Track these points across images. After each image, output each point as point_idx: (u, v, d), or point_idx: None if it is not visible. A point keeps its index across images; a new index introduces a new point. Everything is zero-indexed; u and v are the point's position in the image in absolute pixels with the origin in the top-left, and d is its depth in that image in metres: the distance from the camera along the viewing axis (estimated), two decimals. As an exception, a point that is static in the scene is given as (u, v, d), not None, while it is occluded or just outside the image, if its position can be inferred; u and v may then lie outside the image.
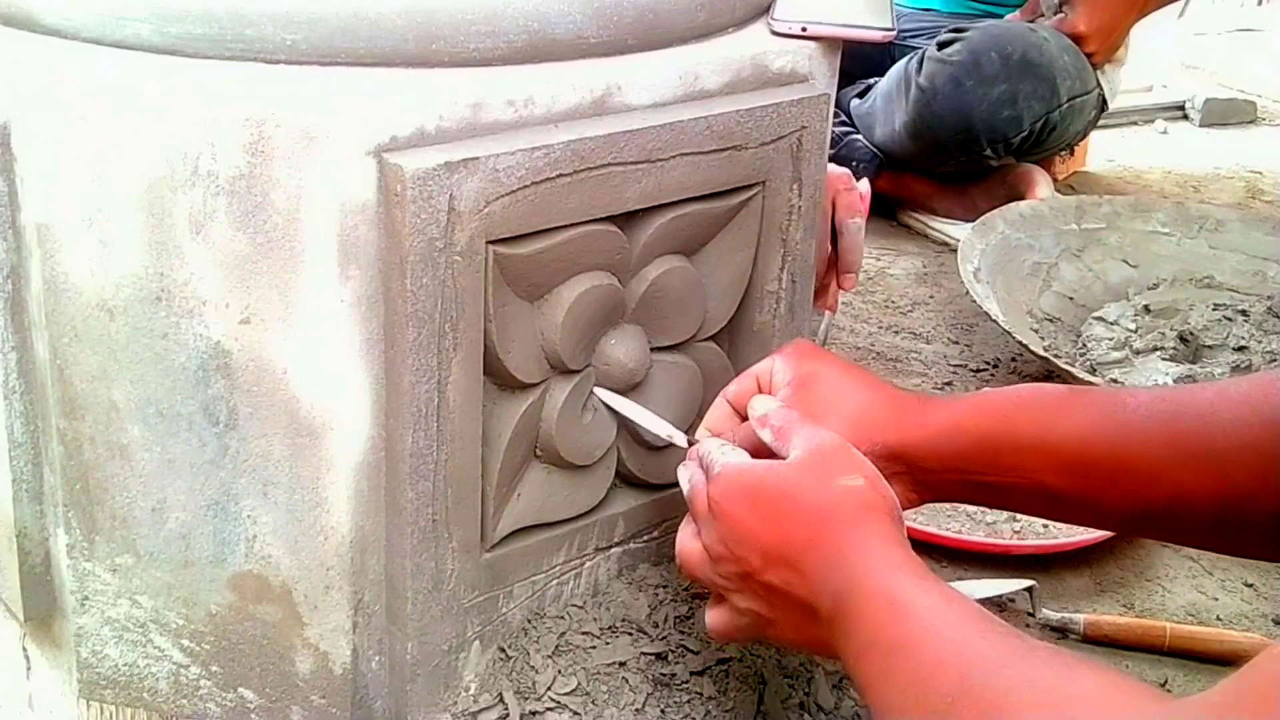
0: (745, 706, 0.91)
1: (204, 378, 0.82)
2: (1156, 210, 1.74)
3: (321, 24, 0.80)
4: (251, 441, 0.83)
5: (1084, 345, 1.50)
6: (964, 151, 1.92)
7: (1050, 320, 1.57)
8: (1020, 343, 1.42)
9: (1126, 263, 1.68)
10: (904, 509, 0.80)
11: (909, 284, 1.81)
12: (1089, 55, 1.97)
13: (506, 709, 0.89)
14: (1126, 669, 1.05)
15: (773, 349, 1.01)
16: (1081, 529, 1.18)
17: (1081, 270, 1.66)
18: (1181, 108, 2.69)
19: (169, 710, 0.91)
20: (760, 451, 0.83)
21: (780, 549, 0.76)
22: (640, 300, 0.92)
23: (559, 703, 0.90)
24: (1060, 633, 1.08)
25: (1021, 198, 1.89)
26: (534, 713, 0.89)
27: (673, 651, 0.93)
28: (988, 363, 1.56)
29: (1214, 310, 1.48)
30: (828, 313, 1.33)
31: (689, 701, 0.91)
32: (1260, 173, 2.39)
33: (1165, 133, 2.59)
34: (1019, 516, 1.19)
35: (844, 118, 2.06)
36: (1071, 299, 1.62)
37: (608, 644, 0.94)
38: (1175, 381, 1.35)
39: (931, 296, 1.77)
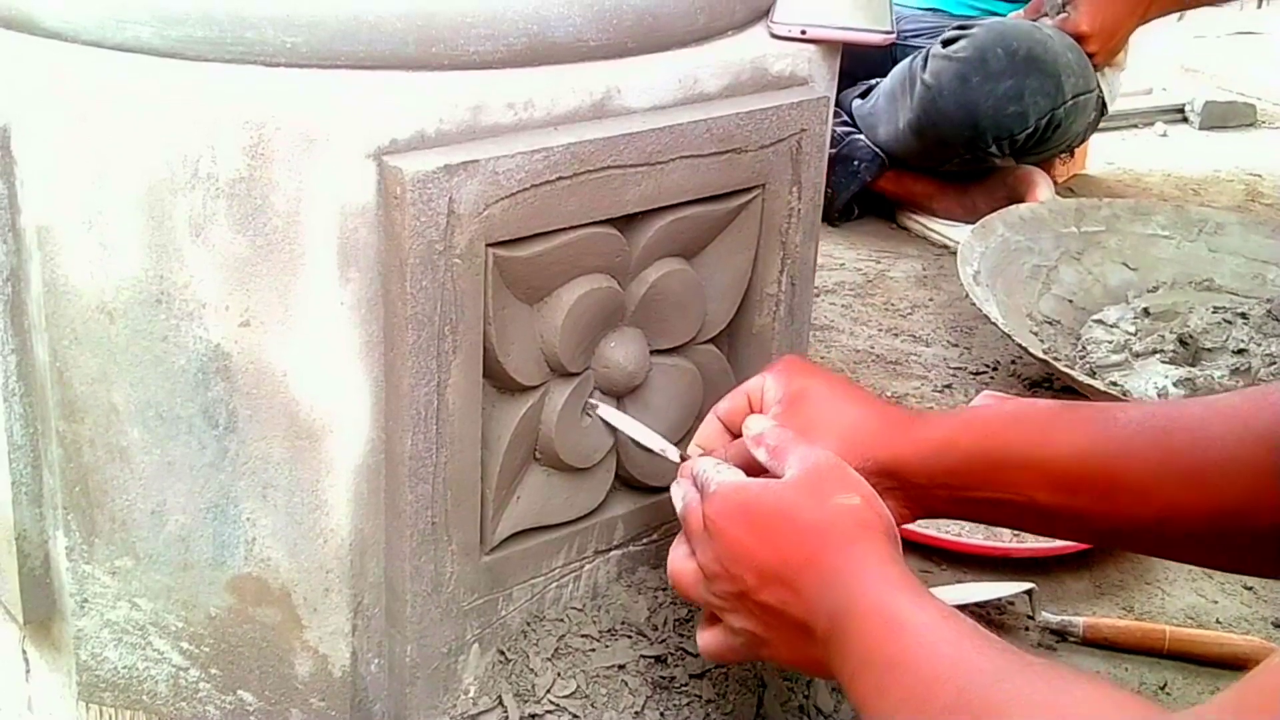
0: (745, 709, 0.91)
1: (204, 380, 0.82)
2: (1156, 213, 1.74)
3: (321, 27, 0.80)
4: (251, 444, 0.83)
5: (1083, 348, 1.50)
6: (969, 149, 1.92)
7: (1050, 323, 1.57)
8: (1020, 345, 1.42)
9: (1126, 266, 1.68)
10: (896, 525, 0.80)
11: (909, 287, 1.81)
12: (1090, 56, 1.97)
13: (506, 712, 0.89)
14: (1126, 672, 1.05)
15: (773, 351, 1.01)
16: (1081, 532, 1.18)
17: (1081, 273, 1.66)
18: (1181, 110, 2.69)
19: (168, 713, 0.91)
20: (754, 468, 0.83)
21: (776, 568, 0.76)
22: (640, 303, 0.92)
23: (558, 705, 0.90)
24: (1060, 635, 1.08)
25: (1022, 200, 1.89)
26: (533, 715, 0.89)
27: (672, 654, 0.93)
28: (987, 365, 1.56)
29: (1213, 313, 1.48)
30: None
31: (688, 704, 0.91)
32: (1260, 175, 2.39)
33: (1165, 135, 2.59)
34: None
35: (846, 118, 2.06)
36: (1071, 302, 1.62)
37: (607, 647, 0.94)
38: (1175, 384, 1.35)
39: (931, 299, 1.77)
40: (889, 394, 1.46)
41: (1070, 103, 1.92)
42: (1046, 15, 2.01)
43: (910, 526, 1.15)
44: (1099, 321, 1.54)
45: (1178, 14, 2.18)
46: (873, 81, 2.07)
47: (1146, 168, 2.40)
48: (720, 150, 0.90)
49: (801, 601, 0.75)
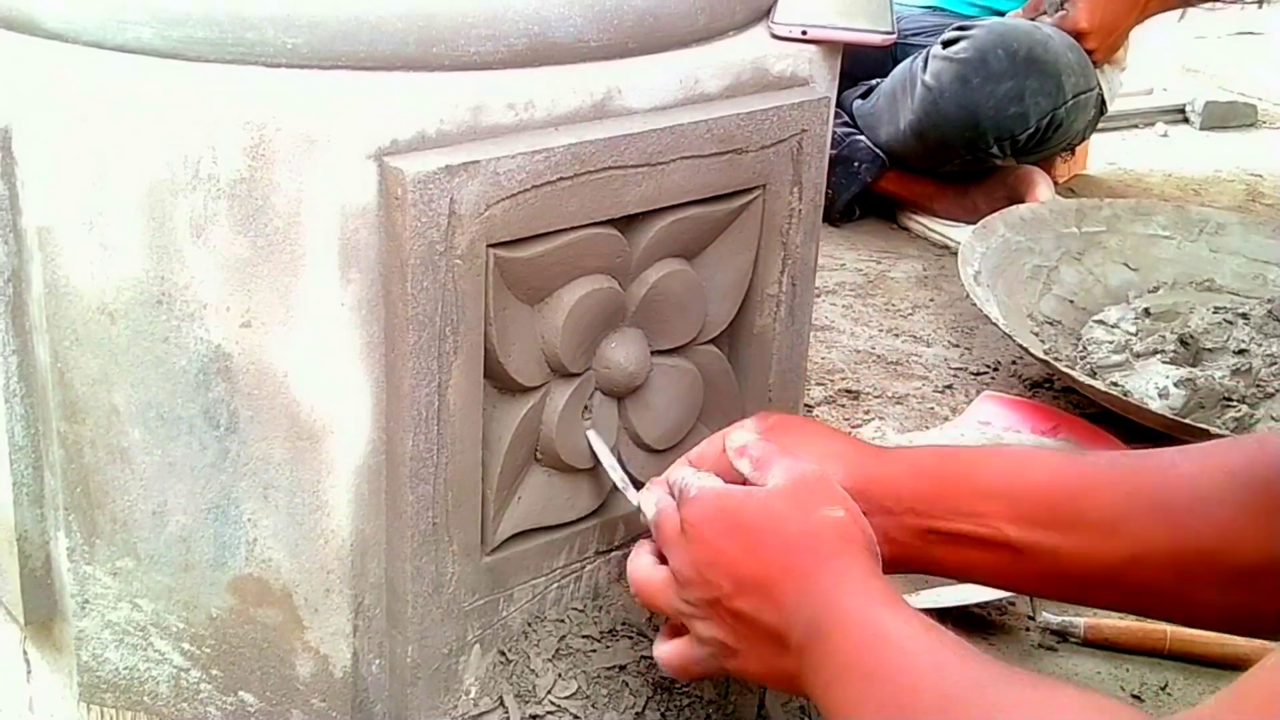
0: (746, 710, 0.91)
1: (205, 381, 0.82)
2: (1157, 213, 1.74)
3: (322, 27, 0.80)
4: (252, 445, 0.83)
5: (1084, 348, 1.50)
6: (970, 150, 1.92)
7: (1051, 323, 1.57)
8: (1021, 346, 1.42)
9: (1127, 266, 1.68)
10: None
11: (909, 287, 1.81)
12: (1089, 53, 1.98)
13: (507, 712, 0.89)
14: (1127, 672, 1.04)
15: (773, 352, 1.01)
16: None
17: (1082, 273, 1.66)
18: (1182, 111, 2.69)
19: (169, 714, 0.91)
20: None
21: (755, 575, 0.75)
22: (640, 303, 0.92)
23: (559, 706, 0.90)
24: (1061, 636, 1.08)
25: (1022, 200, 1.89)
26: (534, 716, 0.89)
27: (673, 655, 0.93)
28: (988, 366, 1.56)
29: (1214, 313, 1.48)
30: None
31: (689, 705, 0.91)
32: (1261, 176, 2.39)
33: (1166, 136, 2.59)
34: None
35: (846, 118, 2.06)
36: (1072, 302, 1.62)
37: (608, 647, 0.94)
38: (1176, 384, 1.35)
39: (932, 300, 1.76)
40: (890, 394, 1.46)
41: (1071, 102, 1.92)
42: (1045, 14, 2.02)
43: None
44: (1100, 322, 1.54)
45: (1180, 12, 2.18)
46: (873, 82, 2.07)
47: (1147, 168, 2.40)
48: (721, 151, 0.90)
49: (778, 610, 0.74)
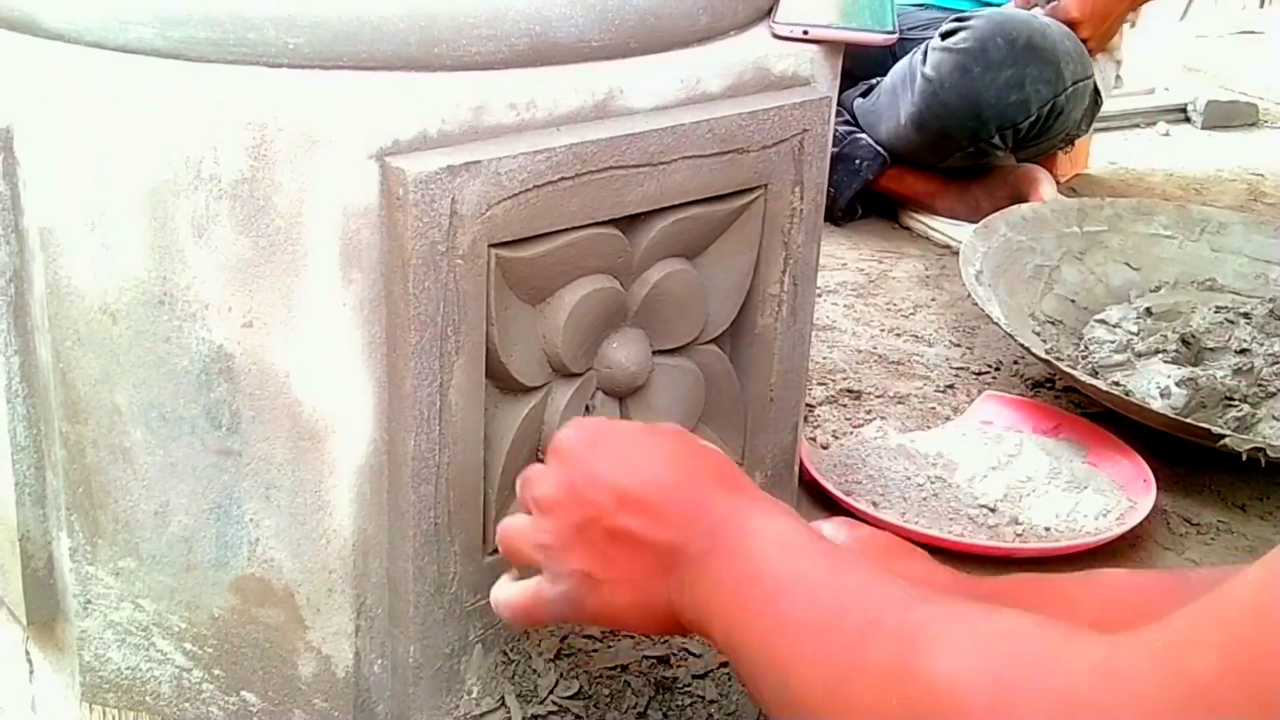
0: (747, 710, 0.91)
1: (206, 381, 0.82)
2: (1158, 213, 1.74)
3: (323, 27, 0.80)
4: (254, 445, 0.83)
5: (1086, 348, 1.50)
6: (972, 140, 1.92)
7: (1052, 323, 1.57)
8: (1022, 345, 1.42)
9: (1128, 265, 1.68)
10: None
11: (911, 287, 1.81)
12: (1084, 42, 1.98)
13: (509, 712, 0.90)
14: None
15: (775, 351, 1.01)
16: (1086, 532, 1.18)
17: (1083, 273, 1.66)
18: (1183, 110, 2.69)
19: (171, 714, 0.91)
20: None
21: (640, 490, 0.72)
22: (642, 303, 0.92)
23: (561, 706, 0.90)
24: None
25: (1025, 198, 1.89)
26: (536, 716, 0.89)
27: (675, 655, 0.93)
28: (990, 365, 1.56)
29: (1216, 313, 1.48)
30: None
31: (691, 705, 0.91)
32: (1262, 175, 2.39)
33: (1167, 135, 2.59)
34: (1021, 519, 1.19)
35: (848, 117, 2.06)
36: (1073, 301, 1.62)
37: (610, 647, 0.94)
38: (1177, 384, 1.35)
39: (933, 299, 1.76)
40: (891, 394, 1.46)
41: (1071, 89, 1.92)
42: (1038, 5, 2.02)
43: (913, 528, 1.16)
44: (1101, 321, 1.54)
45: (1182, 8, 2.18)
46: (874, 80, 2.07)
47: (1149, 167, 2.40)
48: (722, 150, 0.90)
49: (667, 525, 0.71)
